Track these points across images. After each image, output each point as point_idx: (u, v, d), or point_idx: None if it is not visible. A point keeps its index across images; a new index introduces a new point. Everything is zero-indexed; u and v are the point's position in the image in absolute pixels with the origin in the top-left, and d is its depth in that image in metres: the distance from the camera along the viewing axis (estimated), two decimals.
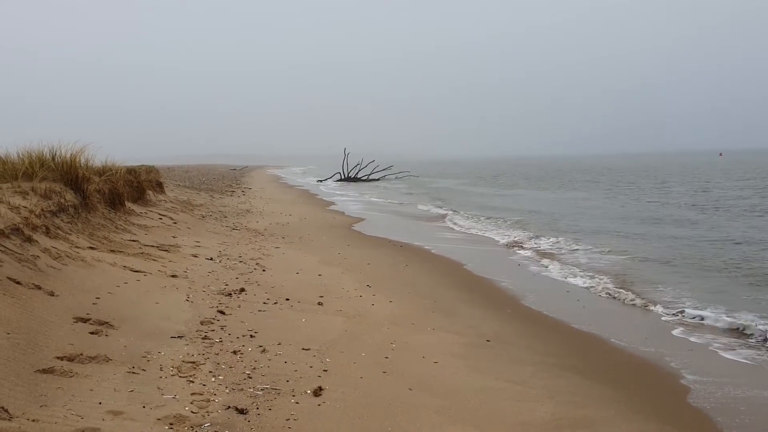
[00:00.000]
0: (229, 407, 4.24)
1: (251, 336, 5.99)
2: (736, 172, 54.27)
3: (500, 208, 25.07)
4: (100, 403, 3.95)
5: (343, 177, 56.46)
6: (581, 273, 10.91)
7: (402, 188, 40.69)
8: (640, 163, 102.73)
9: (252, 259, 10.42)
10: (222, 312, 6.68)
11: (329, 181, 53.53)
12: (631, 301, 8.99)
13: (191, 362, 5.00)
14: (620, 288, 9.72)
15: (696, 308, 8.33)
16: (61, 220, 8.64)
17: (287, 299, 7.74)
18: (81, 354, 4.64)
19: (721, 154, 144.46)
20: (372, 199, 31.55)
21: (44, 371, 4.20)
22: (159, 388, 4.38)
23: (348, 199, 30.59)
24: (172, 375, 4.67)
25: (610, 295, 9.40)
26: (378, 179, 56.54)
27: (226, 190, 30.13)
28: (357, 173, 56.64)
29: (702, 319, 7.89)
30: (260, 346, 5.69)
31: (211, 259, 9.92)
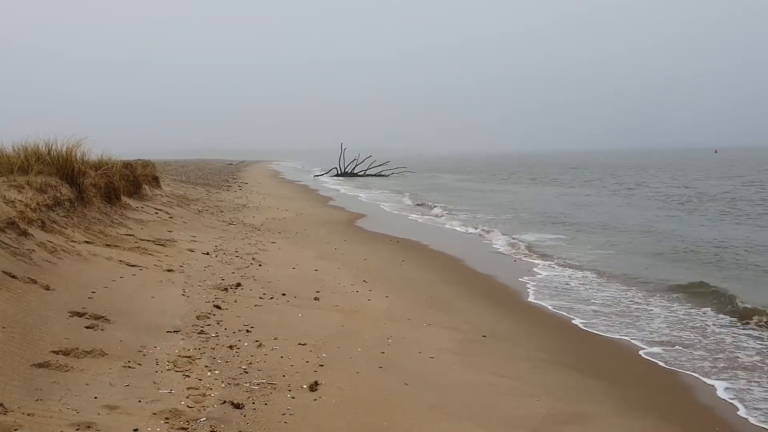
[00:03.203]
0: (225, 402, 4.25)
1: (247, 331, 5.99)
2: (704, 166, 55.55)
3: (491, 204, 25.18)
4: (95, 398, 3.95)
5: (339, 172, 56.49)
6: (576, 269, 10.93)
7: (400, 185, 40.68)
8: (616, 159, 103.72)
9: (248, 254, 10.42)
10: (218, 307, 6.68)
11: (326, 176, 53.56)
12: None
13: (187, 357, 5.00)
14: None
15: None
16: (57, 214, 8.62)
17: (283, 294, 7.74)
18: (77, 348, 4.64)
19: (716, 151, 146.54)
20: (372, 194, 31.50)
21: (40, 365, 4.19)
22: (155, 383, 4.38)
23: (347, 194, 30.58)
24: (168, 370, 4.67)
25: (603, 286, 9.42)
26: (375, 175, 56.52)
27: (222, 185, 30.10)
28: (353, 168, 56.65)
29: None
30: (256, 341, 5.69)
31: (208, 253, 9.91)
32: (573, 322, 7.73)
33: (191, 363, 4.88)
